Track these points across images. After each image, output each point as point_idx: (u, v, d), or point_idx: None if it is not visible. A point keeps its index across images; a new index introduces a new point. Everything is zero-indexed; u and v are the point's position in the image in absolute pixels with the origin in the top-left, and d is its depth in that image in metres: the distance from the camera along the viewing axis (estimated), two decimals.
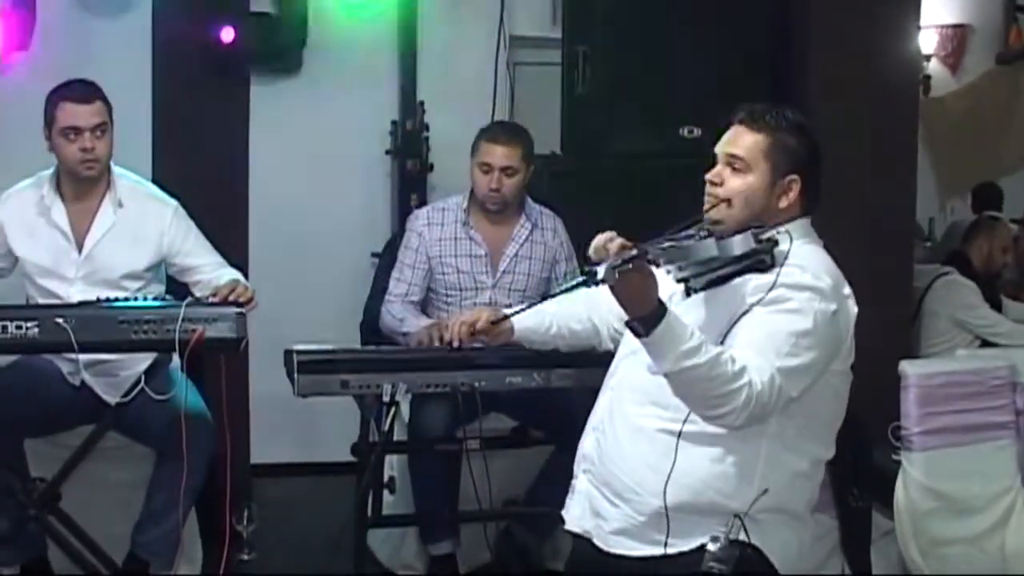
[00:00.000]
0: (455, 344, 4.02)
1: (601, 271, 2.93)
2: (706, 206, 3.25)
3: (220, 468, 4.47)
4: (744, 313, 3.10)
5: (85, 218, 4.70)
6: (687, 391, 3.02)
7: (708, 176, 3.26)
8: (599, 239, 3.03)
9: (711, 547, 3.07)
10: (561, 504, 3.52)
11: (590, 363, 3.91)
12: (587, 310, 3.79)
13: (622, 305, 2.97)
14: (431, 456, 4.79)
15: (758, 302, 3.09)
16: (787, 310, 3.07)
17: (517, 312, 3.84)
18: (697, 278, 3.24)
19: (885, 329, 4.92)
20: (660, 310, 2.93)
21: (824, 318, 3.09)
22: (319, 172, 6.34)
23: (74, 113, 4.58)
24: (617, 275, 2.88)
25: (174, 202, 4.86)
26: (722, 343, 3.09)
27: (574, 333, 3.83)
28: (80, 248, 4.68)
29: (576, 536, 3.41)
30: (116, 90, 5.93)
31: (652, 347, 2.98)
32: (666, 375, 3.00)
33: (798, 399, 3.09)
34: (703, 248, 3.08)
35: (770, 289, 3.08)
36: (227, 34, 5.70)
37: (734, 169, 3.23)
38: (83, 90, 4.65)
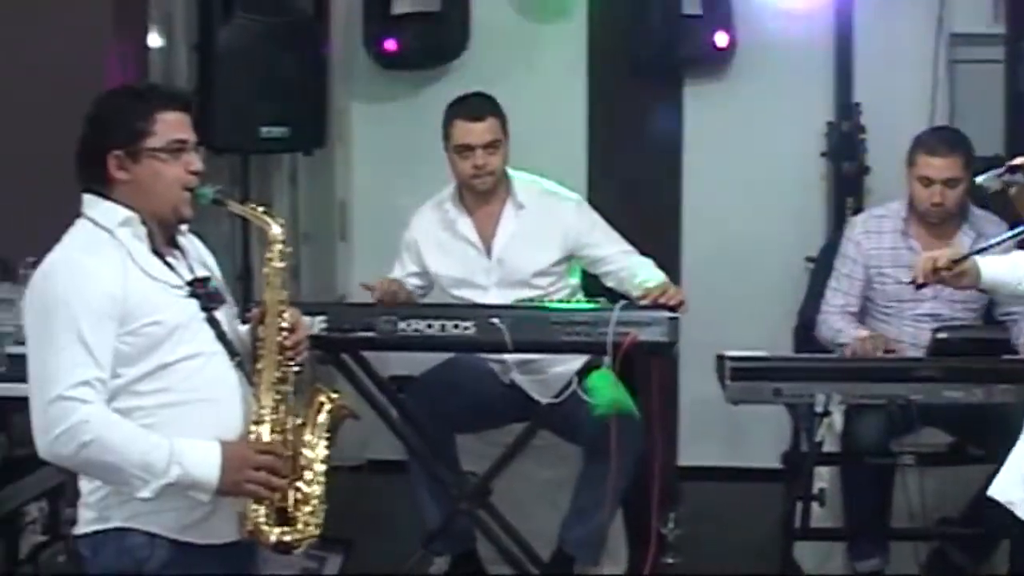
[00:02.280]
0: (919, 281, 3.84)
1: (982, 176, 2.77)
2: None
3: (648, 470, 4.46)
4: None
5: (489, 225, 4.81)
6: None
7: None
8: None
9: None
10: (1002, 528, 3.34)
11: None
12: None
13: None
14: (864, 469, 4.63)
15: None
16: None
17: (980, 251, 3.62)
18: None
19: None
20: None
21: None
22: (752, 174, 6.24)
23: (467, 131, 4.69)
24: (1001, 183, 2.72)
25: (576, 196, 4.91)
26: None
27: None
28: (489, 254, 4.78)
29: (996, 505, 3.21)
30: (551, 94, 6.08)
31: None
32: None
33: None
34: None
35: None
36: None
37: None
38: (476, 107, 4.74)
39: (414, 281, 4.89)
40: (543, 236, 4.78)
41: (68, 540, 3.97)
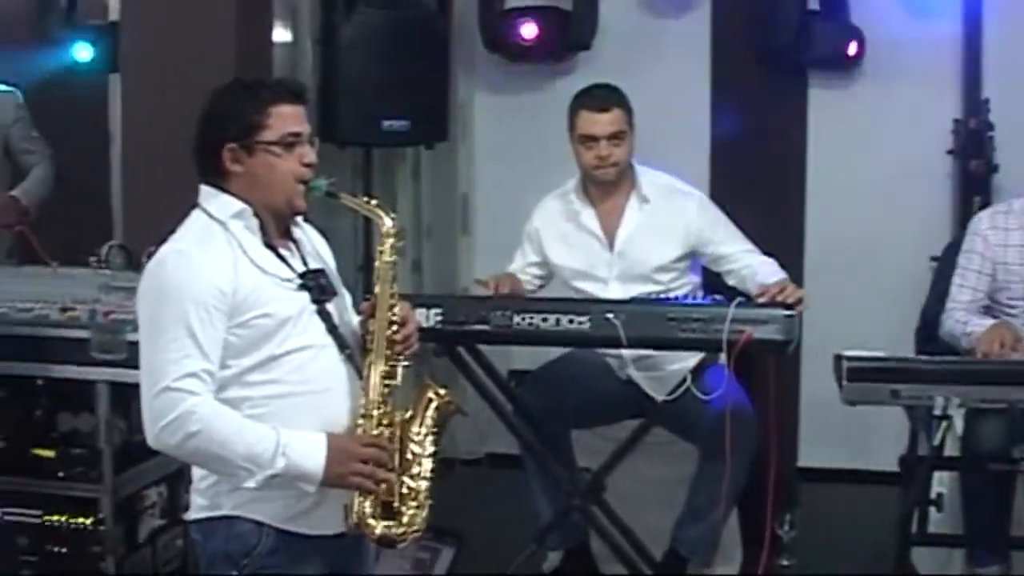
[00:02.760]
0: None
1: None
2: None
3: (765, 470, 4.42)
4: None
5: (613, 218, 4.78)
6: None
7: None
8: None
9: None
10: None
11: None
12: None
13: None
14: (984, 475, 4.53)
15: None
16: None
17: None
18: None
19: None
20: None
21: None
22: (876, 172, 6.15)
23: (592, 121, 4.66)
24: None
25: (699, 193, 4.86)
26: None
27: None
28: (611, 247, 4.76)
29: None
30: (675, 89, 6.03)
31: None
32: None
33: None
34: None
35: None
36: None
37: None
38: (602, 98, 4.71)
39: (533, 271, 4.90)
40: (666, 231, 4.74)
41: (186, 525, 4.04)
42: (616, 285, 4.72)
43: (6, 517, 4.40)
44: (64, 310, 4.35)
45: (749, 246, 4.73)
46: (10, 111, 5.68)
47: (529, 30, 6.14)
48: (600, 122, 4.66)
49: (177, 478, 4.38)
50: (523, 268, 4.89)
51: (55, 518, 4.35)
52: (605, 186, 4.77)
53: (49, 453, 4.37)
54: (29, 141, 5.70)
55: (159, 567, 4.53)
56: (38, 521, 4.37)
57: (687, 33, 6.20)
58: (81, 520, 4.32)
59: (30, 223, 5.35)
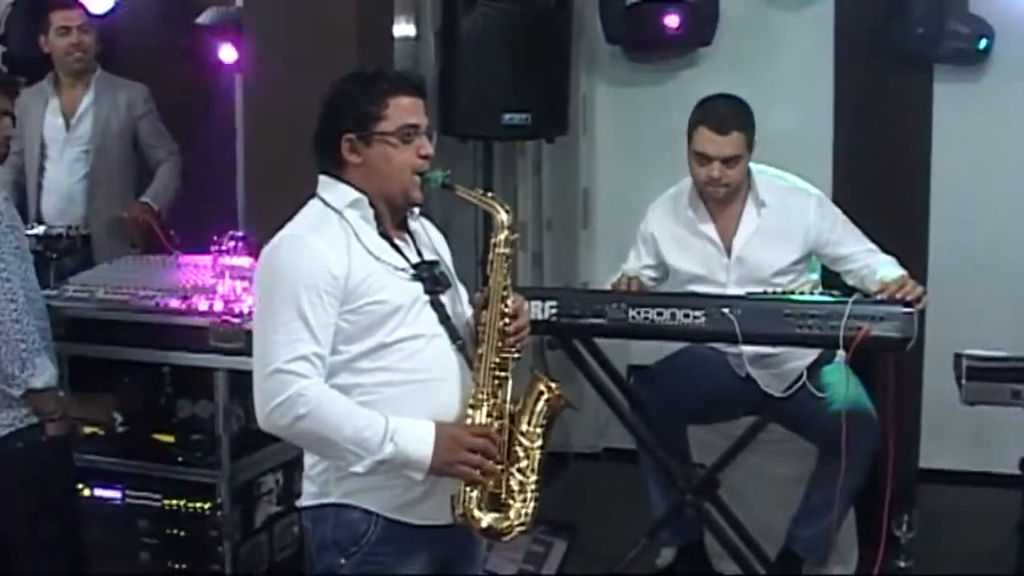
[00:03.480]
0: None
1: None
2: None
3: (883, 470, 4.36)
4: None
5: (730, 222, 4.69)
6: None
7: None
8: None
9: None
10: None
11: None
12: None
13: None
14: None
15: None
16: None
17: None
18: None
19: None
20: None
21: None
22: (1002, 169, 6.01)
23: (708, 140, 4.53)
24: None
25: (817, 192, 4.74)
26: None
27: None
28: (728, 253, 4.69)
29: None
30: (797, 84, 5.96)
31: None
32: None
33: None
34: None
35: None
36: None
37: None
38: (723, 118, 4.53)
39: (648, 272, 4.84)
40: (784, 234, 4.66)
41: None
42: (734, 290, 4.61)
43: (128, 500, 4.50)
44: (185, 298, 4.43)
45: (869, 245, 4.64)
46: (140, 104, 5.80)
47: (672, 20, 6.08)
48: (717, 143, 4.52)
49: (293, 466, 4.43)
50: (637, 269, 4.84)
51: (174, 502, 4.44)
52: (719, 197, 4.70)
53: (169, 439, 4.48)
54: (156, 136, 5.82)
55: (275, 553, 4.61)
56: (158, 505, 4.47)
57: (810, 25, 6.12)
58: (199, 505, 4.41)
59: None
